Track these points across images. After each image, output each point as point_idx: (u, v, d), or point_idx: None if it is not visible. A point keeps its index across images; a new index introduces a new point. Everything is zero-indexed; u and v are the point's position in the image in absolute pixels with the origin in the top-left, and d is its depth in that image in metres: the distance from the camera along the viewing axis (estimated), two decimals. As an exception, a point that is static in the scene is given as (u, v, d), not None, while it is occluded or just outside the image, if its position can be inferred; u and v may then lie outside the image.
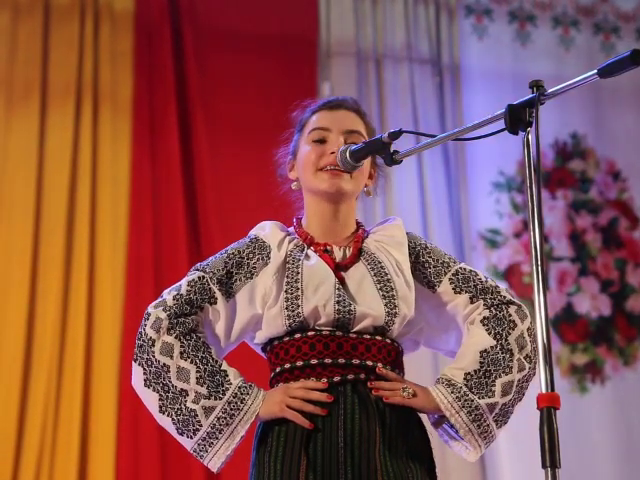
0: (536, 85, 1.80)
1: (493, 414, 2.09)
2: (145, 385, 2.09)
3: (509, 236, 4.91)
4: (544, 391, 1.63)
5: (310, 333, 2.10)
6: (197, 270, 2.19)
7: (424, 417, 2.17)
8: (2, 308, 4.14)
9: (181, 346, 2.08)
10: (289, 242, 2.21)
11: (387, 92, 4.83)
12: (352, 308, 2.10)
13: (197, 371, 2.06)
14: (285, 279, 2.13)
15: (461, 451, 2.14)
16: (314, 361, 2.09)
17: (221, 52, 4.63)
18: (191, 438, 2.06)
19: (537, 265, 1.70)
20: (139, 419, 4.03)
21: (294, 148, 2.32)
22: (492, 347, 2.12)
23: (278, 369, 2.13)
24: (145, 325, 2.11)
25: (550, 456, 1.60)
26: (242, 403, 2.05)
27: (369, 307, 2.11)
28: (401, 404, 2.08)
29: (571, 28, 5.25)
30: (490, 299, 2.18)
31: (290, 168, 2.32)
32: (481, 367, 2.10)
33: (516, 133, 1.80)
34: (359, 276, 2.16)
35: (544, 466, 1.60)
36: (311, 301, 2.09)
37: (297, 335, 2.10)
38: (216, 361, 2.09)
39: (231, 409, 2.05)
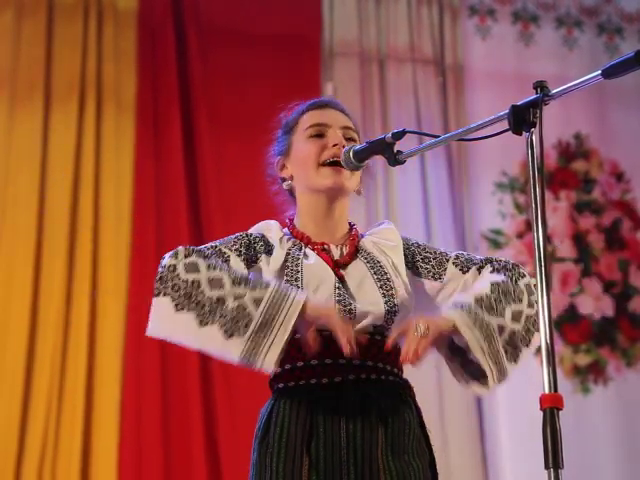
0: (540, 86, 1.80)
1: (502, 338, 2.04)
2: (177, 310, 1.96)
3: (512, 237, 4.91)
4: (547, 392, 1.63)
5: (311, 333, 2.09)
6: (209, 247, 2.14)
7: (427, 410, 2.17)
8: (6, 301, 4.14)
9: (206, 260, 2.01)
10: (287, 241, 2.22)
11: (390, 92, 4.83)
12: (352, 307, 2.10)
13: (229, 276, 1.97)
14: (285, 277, 2.13)
15: (474, 387, 2.08)
16: (314, 362, 2.08)
17: (224, 51, 4.64)
18: (242, 335, 1.92)
19: (540, 266, 1.70)
20: (142, 419, 4.03)
21: (285, 147, 2.30)
22: (503, 281, 2.11)
23: (279, 369, 2.12)
24: (161, 263, 2.03)
25: (553, 457, 1.60)
26: (287, 292, 1.96)
27: (369, 305, 2.11)
28: (426, 348, 1.96)
29: (575, 29, 5.25)
30: (497, 262, 2.20)
31: (281, 167, 2.31)
32: (492, 293, 2.07)
33: (520, 134, 1.81)
34: (359, 274, 2.16)
35: (547, 467, 1.61)
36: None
37: (297, 335, 2.06)
38: (243, 271, 2.05)
39: (278, 297, 1.95)
